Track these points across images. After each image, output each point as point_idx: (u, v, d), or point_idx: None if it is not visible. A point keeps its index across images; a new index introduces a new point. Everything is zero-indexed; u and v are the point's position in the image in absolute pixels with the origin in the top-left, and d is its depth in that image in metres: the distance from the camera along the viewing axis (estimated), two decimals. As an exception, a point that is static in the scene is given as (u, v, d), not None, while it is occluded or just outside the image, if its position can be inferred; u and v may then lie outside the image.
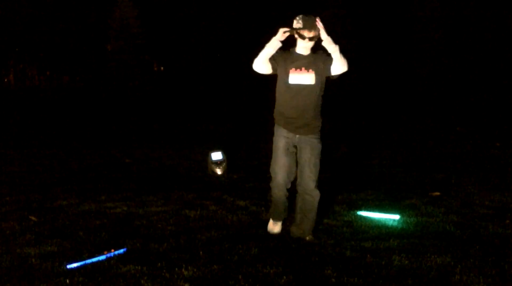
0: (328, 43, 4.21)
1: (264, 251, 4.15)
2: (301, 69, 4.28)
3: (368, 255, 4.02)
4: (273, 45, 4.26)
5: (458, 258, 3.95)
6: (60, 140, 11.58)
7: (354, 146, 10.44)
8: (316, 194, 4.41)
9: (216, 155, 7.42)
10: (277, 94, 4.41)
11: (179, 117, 17.93)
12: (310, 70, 4.28)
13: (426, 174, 7.43)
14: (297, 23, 4.23)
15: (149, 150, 9.88)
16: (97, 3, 44.71)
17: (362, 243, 4.31)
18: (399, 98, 28.15)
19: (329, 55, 4.26)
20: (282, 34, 4.22)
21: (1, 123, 15.97)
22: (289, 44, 4.31)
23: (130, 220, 5.07)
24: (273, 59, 4.30)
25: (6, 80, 50.45)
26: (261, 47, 4.33)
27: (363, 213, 5.24)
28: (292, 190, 4.55)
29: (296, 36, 4.26)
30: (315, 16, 4.21)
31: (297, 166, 4.46)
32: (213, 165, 7.37)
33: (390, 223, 4.96)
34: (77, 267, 3.82)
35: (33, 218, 5.14)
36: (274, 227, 4.64)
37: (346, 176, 7.23)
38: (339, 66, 4.27)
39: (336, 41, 4.26)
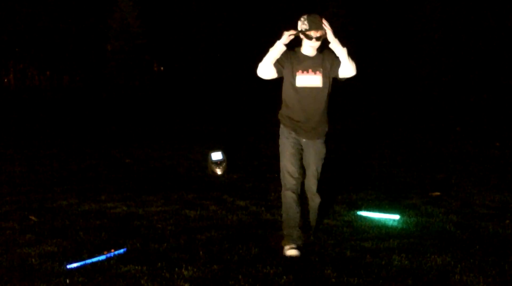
0: (335, 45, 4.11)
1: (264, 251, 4.15)
2: (308, 71, 4.15)
3: (368, 255, 4.02)
4: (278, 48, 4.11)
5: (458, 258, 3.95)
6: (60, 140, 11.57)
7: (354, 146, 10.44)
8: (317, 198, 4.41)
9: (216, 155, 7.42)
10: (284, 96, 4.26)
11: (179, 117, 17.92)
12: (318, 72, 4.16)
13: (426, 174, 7.43)
14: (302, 24, 4.11)
15: (149, 150, 9.87)
16: (97, 3, 44.72)
17: (362, 243, 4.31)
18: (399, 98, 28.15)
19: (337, 56, 4.17)
20: (287, 37, 4.09)
21: (1, 123, 15.97)
22: (294, 44, 4.22)
23: (130, 220, 5.07)
24: (278, 63, 4.16)
25: (6, 80, 50.45)
26: (264, 50, 4.19)
27: (363, 213, 5.24)
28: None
29: (302, 37, 4.15)
30: (320, 15, 4.11)
31: None
32: (213, 165, 7.37)
33: (390, 223, 4.96)
34: (77, 267, 3.82)
35: (33, 218, 5.14)
36: (292, 251, 4.10)
37: (346, 176, 7.23)
38: (347, 69, 4.16)
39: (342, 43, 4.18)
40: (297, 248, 4.11)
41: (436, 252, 4.08)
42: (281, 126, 4.34)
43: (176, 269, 3.78)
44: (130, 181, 6.99)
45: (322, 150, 4.34)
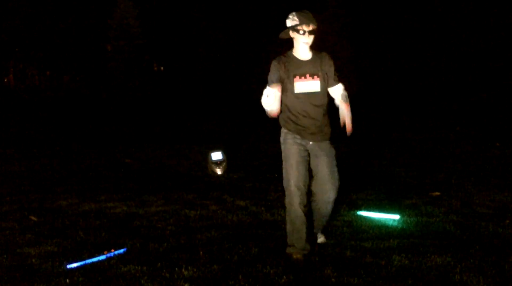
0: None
1: (264, 251, 4.15)
2: (305, 77, 3.97)
3: (368, 255, 4.02)
4: (273, 96, 3.83)
5: (458, 258, 3.95)
6: (60, 140, 11.57)
7: (354, 146, 10.44)
8: (331, 205, 4.13)
9: (216, 155, 7.42)
10: (285, 101, 4.03)
11: (179, 117, 17.92)
12: (316, 77, 3.98)
13: (426, 174, 7.43)
14: (292, 21, 3.95)
15: (149, 150, 9.88)
16: (97, 3, 44.71)
17: (362, 243, 4.31)
18: (399, 98, 28.14)
19: (332, 62, 4.03)
20: (278, 88, 3.85)
21: (1, 123, 15.97)
22: (287, 46, 4.13)
23: (130, 220, 5.07)
24: (278, 79, 3.94)
25: (6, 80, 50.46)
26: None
27: (363, 213, 5.24)
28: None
29: (293, 35, 3.98)
30: (311, 12, 3.96)
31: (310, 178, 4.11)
32: (213, 165, 7.38)
33: (390, 223, 4.96)
34: (77, 267, 3.82)
35: (33, 218, 5.14)
36: (298, 255, 4.02)
37: (346, 176, 7.22)
38: (338, 96, 4.06)
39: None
40: (303, 255, 4.00)
41: (436, 252, 4.08)
42: (284, 131, 4.12)
43: (176, 269, 3.78)
44: (130, 181, 7.00)
45: (332, 150, 4.10)
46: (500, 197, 5.94)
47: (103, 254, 4.02)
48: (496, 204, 5.67)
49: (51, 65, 48.98)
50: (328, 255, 4.06)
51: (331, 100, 4.23)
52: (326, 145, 4.09)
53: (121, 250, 4.13)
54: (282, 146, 4.11)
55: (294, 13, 3.98)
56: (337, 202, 5.67)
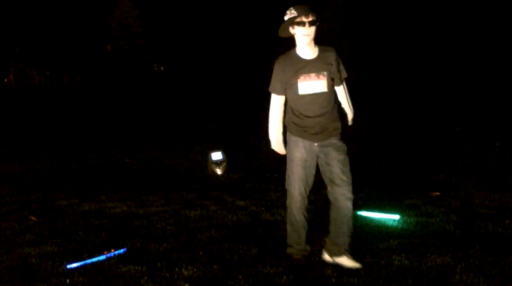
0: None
1: (264, 251, 4.15)
2: (310, 76, 3.71)
3: (368, 255, 4.01)
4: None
5: (458, 258, 3.95)
6: (60, 140, 11.58)
7: (354, 146, 10.45)
8: (350, 204, 3.85)
9: (216, 155, 7.42)
10: (289, 102, 3.85)
11: (179, 117, 17.93)
12: (321, 76, 3.72)
13: (426, 174, 7.43)
14: (290, 15, 3.71)
15: (149, 150, 9.88)
16: (97, 3, 44.73)
17: (362, 243, 4.31)
18: (399, 98, 28.14)
19: (339, 62, 3.82)
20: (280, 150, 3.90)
21: (1, 123, 15.97)
22: (287, 45, 4.02)
23: (130, 220, 5.07)
24: (282, 87, 3.80)
25: (6, 80, 50.46)
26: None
27: (363, 213, 5.24)
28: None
29: (293, 30, 3.73)
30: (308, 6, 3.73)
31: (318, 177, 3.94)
32: (213, 165, 7.37)
33: (390, 223, 4.95)
34: (77, 267, 3.82)
35: (33, 218, 5.14)
36: (298, 256, 3.94)
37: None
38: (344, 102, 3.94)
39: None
40: (303, 256, 3.94)
41: (436, 252, 4.08)
42: (288, 133, 3.91)
43: (176, 269, 3.78)
44: (130, 181, 6.99)
45: (342, 146, 3.84)
46: (500, 197, 5.94)
47: (103, 254, 4.02)
48: (496, 204, 5.66)
49: (51, 65, 49.00)
50: (328, 255, 4.05)
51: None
52: (333, 141, 3.82)
53: (121, 250, 4.13)
54: (287, 148, 3.93)
55: (291, 8, 3.75)
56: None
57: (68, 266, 3.82)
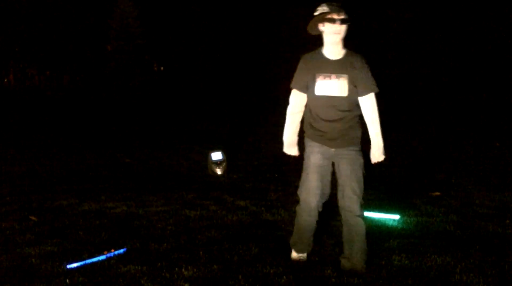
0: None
1: (264, 251, 4.15)
2: (330, 77, 3.51)
3: (368, 255, 4.01)
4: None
5: (458, 258, 3.95)
6: (60, 140, 11.58)
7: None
8: (361, 220, 3.65)
9: (216, 155, 7.42)
10: (308, 103, 3.68)
11: (179, 117, 17.93)
12: (342, 79, 3.51)
13: (426, 174, 7.43)
14: (321, 10, 3.51)
15: (149, 150, 9.88)
16: (97, 3, 44.74)
17: (362, 243, 4.31)
18: (399, 97, 28.15)
19: (367, 69, 3.58)
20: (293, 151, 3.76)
21: (1, 123, 15.97)
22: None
23: (130, 220, 5.07)
24: (302, 85, 3.64)
25: (6, 80, 50.48)
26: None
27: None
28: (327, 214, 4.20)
29: (322, 27, 3.53)
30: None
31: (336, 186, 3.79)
32: (213, 165, 7.38)
33: (390, 223, 4.96)
34: (77, 267, 3.82)
35: (33, 218, 5.14)
36: (299, 258, 3.92)
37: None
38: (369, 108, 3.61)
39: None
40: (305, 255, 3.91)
41: (436, 252, 4.08)
42: (305, 138, 3.76)
43: (176, 269, 3.78)
44: (130, 181, 6.99)
45: (358, 158, 3.62)
46: (500, 197, 5.94)
47: (103, 254, 4.02)
48: (496, 204, 5.67)
49: (51, 65, 49.02)
50: (328, 255, 4.06)
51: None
52: (350, 151, 3.62)
53: (121, 250, 4.13)
54: (304, 153, 3.75)
55: (322, 3, 3.54)
56: (337, 202, 5.69)
57: (68, 266, 3.82)
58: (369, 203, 5.69)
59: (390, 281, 3.57)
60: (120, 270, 3.76)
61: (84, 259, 3.93)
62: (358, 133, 3.66)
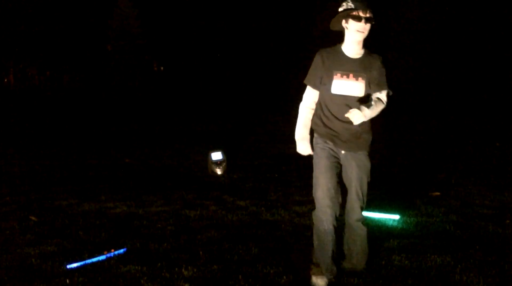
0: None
1: (264, 251, 4.15)
2: (348, 76, 3.40)
3: (368, 255, 4.01)
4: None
5: (458, 258, 3.95)
6: (60, 140, 11.57)
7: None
8: (363, 225, 3.64)
9: (216, 155, 7.42)
10: (320, 100, 3.56)
11: (179, 117, 17.93)
12: (360, 78, 3.41)
13: (426, 174, 7.43)
14: (346, 6, 3.40)
15: (149, 150, 9.88)
16: (97, 3, 44.75)
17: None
18: (398, 97, 28.15)
19: (384, 68, 3.48)
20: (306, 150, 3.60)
21: (1, 123, 15.97)
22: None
23: (130, 220, 5.07)
24: (316, 81, 3.52)
25: (6, 80, 50.47)
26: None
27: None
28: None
29: (345, 24, 3.41)
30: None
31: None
32: (213, 165, 7.37)
33: (390, 223, 4.96)
34: (77, 267, 3.82)
35: (33, 218, 5.13)
36: (321, 280, 3.50)
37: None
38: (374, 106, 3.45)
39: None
40: (327, 279, 3.49)
41: (436, 252, 4.08)
42: (315, 134, 3.62)
43: (176, 269, 3.78)
44: (130, 181, 6.99)
45: (366, 164, 3.58)
46: (500, 197, 5.95)
47: (103, 254, 4.02)
48: (496, 204, 5.67)
49: (51, 65, 49.01)
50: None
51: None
52: (360, 156, 3.56)
53: (121, 250, 4.13)
54: (313, 151, 3.61)
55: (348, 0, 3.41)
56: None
57: (68, 266, 3.82)
58: (369, 203, 5.69)
59: (390, 281, 3.57)
60: (120, 270, 3.76)
61: (84, 259, 3.93)
62: (370, 138, 3.62)
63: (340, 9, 3.42)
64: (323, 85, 3.48)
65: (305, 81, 3.61)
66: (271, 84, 38.53)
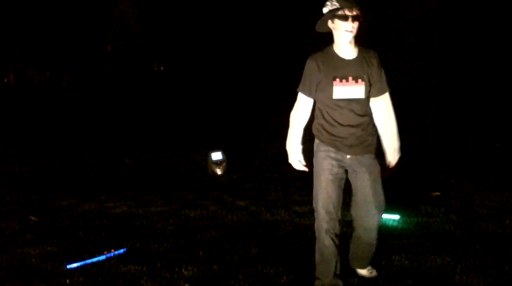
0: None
1: (264, 251, 4.15)
2: (347, 80, 3.24)
3: (368, 255, 4.01)
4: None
5: (458, 258, 3.95)
6: (60, 140, 11.58)
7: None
8: (374, 235, 3.49)
9: (216, 155, 7.42)
10: (319, 106, 3.37)
11: (179, 117, 17.93)
12: (360, 80, 3.25)
13: (426, 174, 7.43)
14: (331, 6, 3.21)
15: (149, 150, 9.88)
16: (97, 3, 44.75)
17: (362, 243, 4.30)
18: (398, 97, 28.15)
19: (378, 62, 3.32)
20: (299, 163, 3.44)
21: (1, 123, 15.97)
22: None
23: (130, 220, 5.07)
24: (311, 88, 3.32)
25: (6, 80, 50.47)
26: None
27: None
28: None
29: (333, 25, 3.24)
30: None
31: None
32: (213, 165, 7.38)
33: (390, 223, 4.95)
34: (77, 267, 3.82)
35: (33, 218, 5.14)
36: None
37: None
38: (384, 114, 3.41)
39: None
40: None
41: (436, 252, 4.08)
42: (317, 141, 3.42)
43: (176, 269, 3.78)
44: (130, 181, 7.00)
45: (376, 166, 3.42)
46: (500, 197, 5.94)
47: (103, 254, 4.02)
48: (496, 204, 5.67)
49: (51, 65, 49.00)
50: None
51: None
52: (368, 159, 3.40)
53: (121, 250, 4.13)
54: (314, 159, 3.42)
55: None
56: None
57: (68, 266, 3.82)
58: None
59: (390, 281, 3.57)
60: (120, 270, 3.76)
61: (84, 259, 3.93)
62: (375, 140, 3.46)
63: (325, 10, 3.25)
64: (322, 92, 3.29)
65: (298, 89, 3.39)
66: (271, 84, 38.56)
